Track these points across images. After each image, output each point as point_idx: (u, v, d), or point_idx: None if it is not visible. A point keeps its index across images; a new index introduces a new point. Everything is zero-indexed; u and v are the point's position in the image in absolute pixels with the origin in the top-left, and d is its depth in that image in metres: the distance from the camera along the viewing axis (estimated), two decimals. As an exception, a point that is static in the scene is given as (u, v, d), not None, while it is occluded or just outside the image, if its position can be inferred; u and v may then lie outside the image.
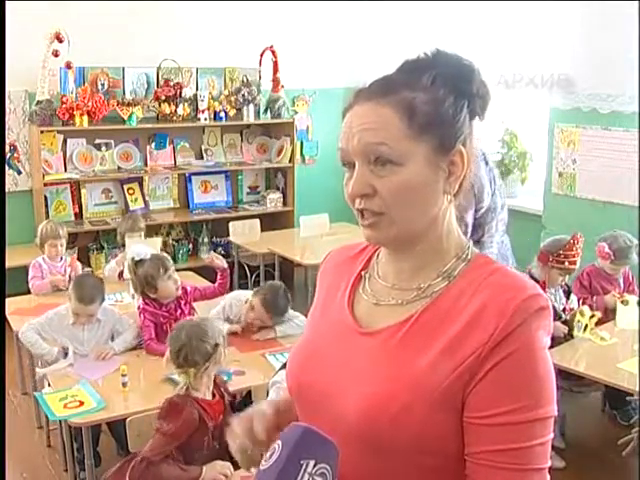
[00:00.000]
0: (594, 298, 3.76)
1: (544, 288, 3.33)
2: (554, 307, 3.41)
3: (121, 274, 4.12)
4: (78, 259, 4.62)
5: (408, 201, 1.01)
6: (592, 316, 3.37)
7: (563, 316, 3.46)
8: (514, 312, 0.95)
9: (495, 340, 0.95)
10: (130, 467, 2.36)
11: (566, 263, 3.46)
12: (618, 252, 3.76)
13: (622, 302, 3.51)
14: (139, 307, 3.34)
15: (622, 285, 3.93)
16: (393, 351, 1.03)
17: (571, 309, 3.55)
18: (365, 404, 1.00)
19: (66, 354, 3.06)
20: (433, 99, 1.00)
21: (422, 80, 1.01)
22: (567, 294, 3.66)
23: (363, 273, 1.16)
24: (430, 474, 1.01)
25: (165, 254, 3.55)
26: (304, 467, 0.90)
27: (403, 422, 0.97)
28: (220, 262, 3.51)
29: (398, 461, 1.00)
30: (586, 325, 3.32)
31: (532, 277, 3.45)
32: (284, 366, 1.41)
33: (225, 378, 2.85)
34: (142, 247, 3.37)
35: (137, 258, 3.27)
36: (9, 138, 5.14)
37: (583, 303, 3.64)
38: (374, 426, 0.99)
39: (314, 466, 0.91)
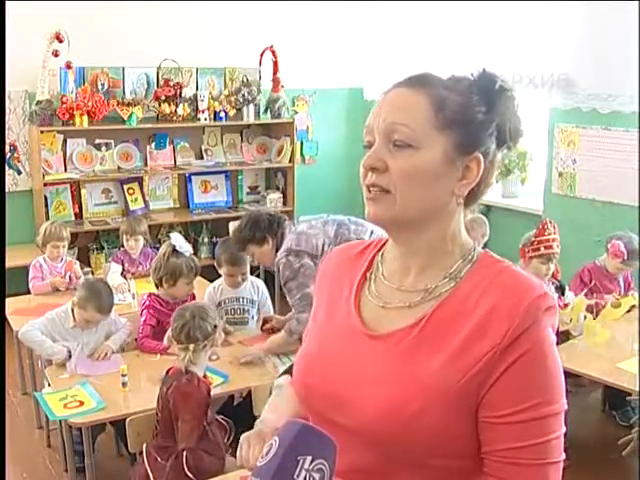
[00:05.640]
0: (594, 295, 3.75)
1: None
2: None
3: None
4: (78, 259, 4.63)
5: (415, 185, 1.03)
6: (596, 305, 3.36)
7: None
8: (525, 313, 0.97)
9: (507, 341, 0.97)
10: (174, 458, 2.42)
11: (542, 249, 3.40)
12: (631, 253, 3.76)
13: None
14: (144, 303, 3.34)
15: (622, 285, 3.93)
16: (405, 354, 1.03)
17: (565, 305, 3.53)
18: (381, 407, 1.00)
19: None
20: (465, 102, 1.04)
21: (460, 85, 1.05)
22: (561, 290, 3.64)
23: (368, 274, 1.16)
24: (445, 475, 1.02)
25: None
26: (301, 463, 0.90)
27: (418, 424, 0.98)
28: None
29: (413, 463, 1.01)
30: (585, 317, 3.30)
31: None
32: (287, 370, 1.40)
33: (222, 380, 2.86)
34: (185, 243, 3.40)
35: (179, 249, 3.30)
36: (9, 138, 5.14)
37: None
38: (390, 428, 0.99)
39: (311, 462, 0.90)
